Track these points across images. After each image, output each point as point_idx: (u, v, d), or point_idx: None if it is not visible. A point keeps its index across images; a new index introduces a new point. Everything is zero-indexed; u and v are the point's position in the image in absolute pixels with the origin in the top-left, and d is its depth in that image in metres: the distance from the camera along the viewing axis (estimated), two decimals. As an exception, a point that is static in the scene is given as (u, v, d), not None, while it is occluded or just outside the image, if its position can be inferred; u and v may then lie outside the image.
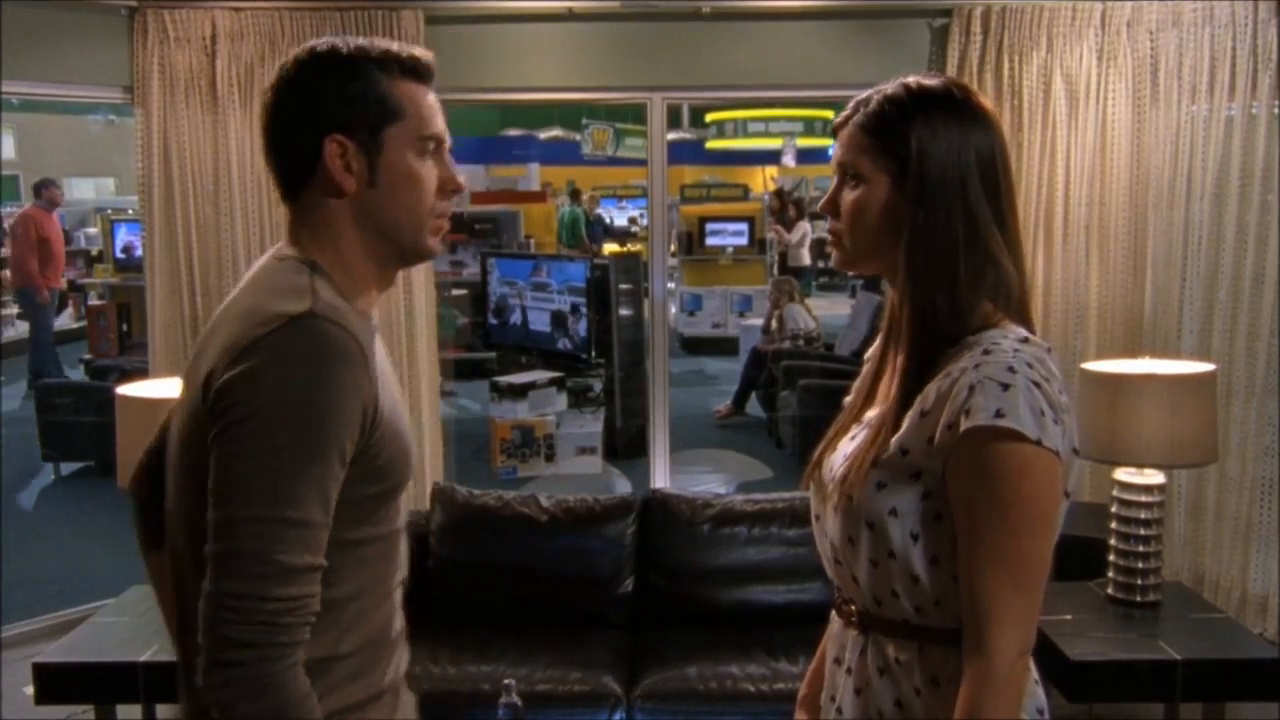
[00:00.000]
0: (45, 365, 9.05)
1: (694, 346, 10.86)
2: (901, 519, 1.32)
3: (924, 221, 1.32)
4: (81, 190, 17.57)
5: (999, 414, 1.22)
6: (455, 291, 8.75)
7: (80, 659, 3.16)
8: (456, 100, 4.66)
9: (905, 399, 1.33)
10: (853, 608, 1.43)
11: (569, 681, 2.99)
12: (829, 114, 21.38)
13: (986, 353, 1.28)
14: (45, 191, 9.64)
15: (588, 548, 3.44)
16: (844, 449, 1.44)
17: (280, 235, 4.44)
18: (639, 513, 3.49)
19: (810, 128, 21.54)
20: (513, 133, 22.92)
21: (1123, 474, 3.40)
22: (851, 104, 1.40)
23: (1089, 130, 4.22)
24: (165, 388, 3.28)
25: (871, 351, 1.57)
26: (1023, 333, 1.33)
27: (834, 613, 1.51)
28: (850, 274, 12.99)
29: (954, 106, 1.35)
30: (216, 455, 1.24)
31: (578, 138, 21.29)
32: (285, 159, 1.40)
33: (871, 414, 1.43)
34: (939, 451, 1.28)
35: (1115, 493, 3.41)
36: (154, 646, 3.18)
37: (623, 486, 6.16)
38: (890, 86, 1.39)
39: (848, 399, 1.56)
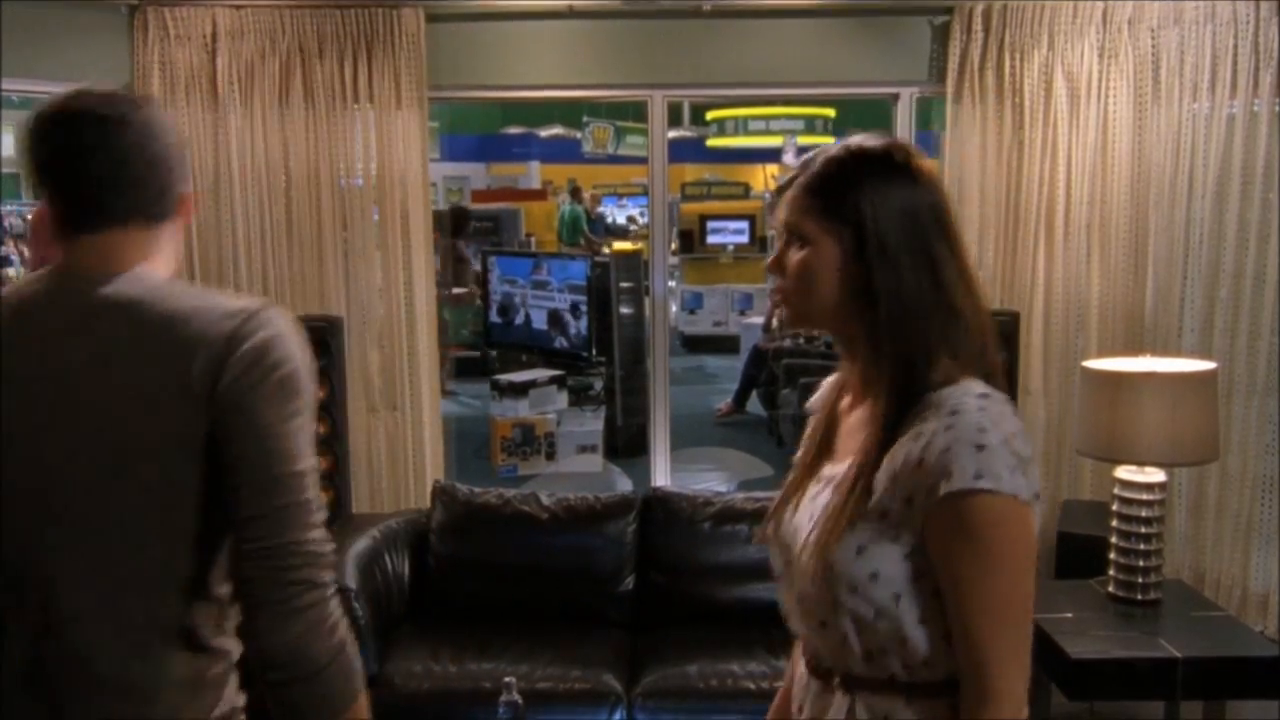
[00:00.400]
0: None
1: (695, 345, 10.86)
2: (885, 581, 1.32)
3: (892, 283, 1.33)
4: (82, 189, 17.53)
5: (978, 475, 1.26)
6: (455, 290, 8.75)
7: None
8: (457, 98, 4.67)
9: (877, 458, 1.34)
10: (834, 674, 1.42)
11: (569, 680, 3.00)
12: (830, 112, 21.37)
13: (954, 413, 1.29)
14: None
15: (589, 546, 3.44)
16: (808, 508, 1.43)
17: (280, 234, 4.42)
18: (640, 511, 3.50)
19: (811, 125, 21.53)
20: (513, 130, 22.91)
21: (1124, 472, 3.39)
22: (799, 163, 1.41)
23: (1090, 128, 4.21)
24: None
25: (814, 403, 1.58)
26: (981, 388, 1.34)
27: (808, 674, 1.49)
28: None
29: (897, 168, 1.37)
30: (264, 420, 1.33)
31: (578, 136, 21.29)
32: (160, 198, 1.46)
33: (831, 470, 1.43)
34: (918, 513, 1.30)
35: (1116, 491, 3.41)
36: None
37: (623, 484, 6.15)
38: (833, 148, 1.40)
39: (798, 454, 1.56)
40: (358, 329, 4.40)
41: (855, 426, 1.41)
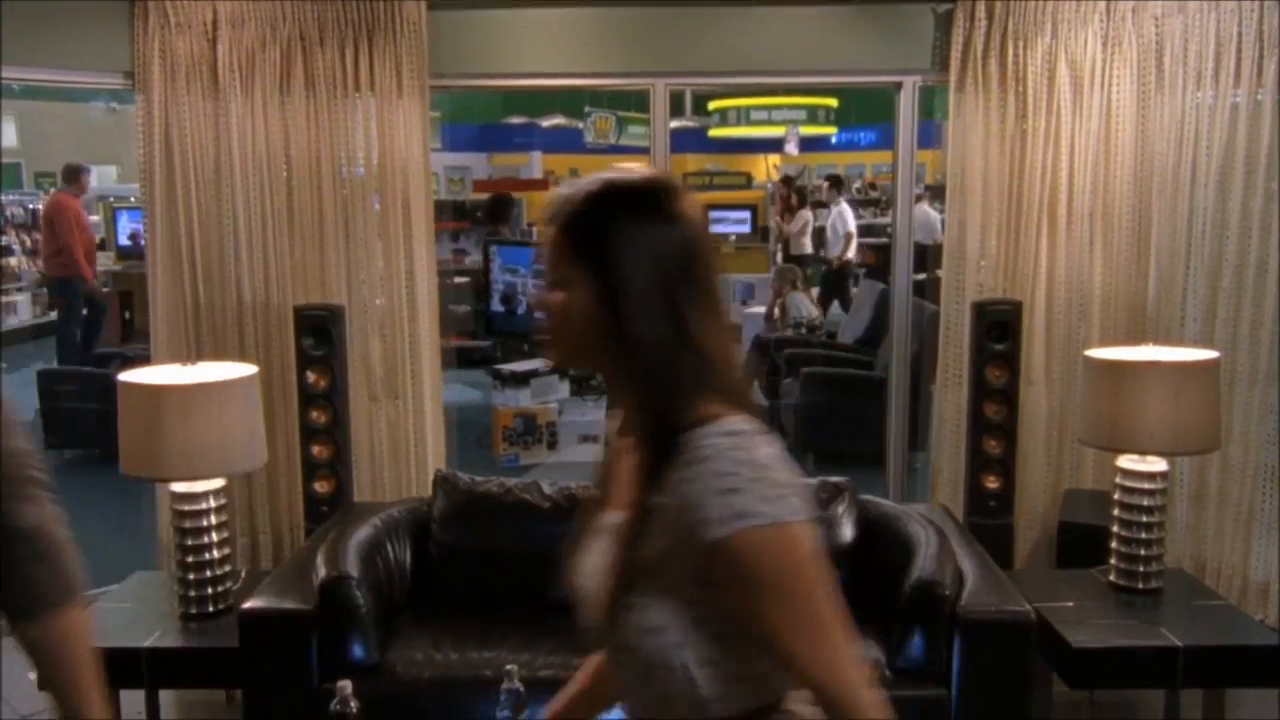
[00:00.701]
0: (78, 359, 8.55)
1: (696, 334, 10.84)
2: (666, 633, 1.34)
3: (638, 331, 1.32)
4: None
5: (737, 516, 1.25)
6: (457, 279, 8.73)
7: (84, 644, 3.15)
8: (458, 86, 4.65)
9: (644, 511, 1.34)
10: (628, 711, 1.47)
11: (571, 668, 2.98)
12: (833, 101, 21.31)
13: (702, 460, 1.28)
14: (74, 176, 9.40)
15: (590, 534, 3.44)
16: (593, 559, 1.46)
17: (281, 223, 4.42)
18: (641, 499, 3.49)
19: (814, 115, 21.48)
20: (515, 120, 22.87)
21: (1125, 461, 3.40)
22: (562, 195, 1.37)
23: (1093, 116, 4.20)
24: (166, 374, 3.29)
25: (606, 437, 1.58)
26: (731, 424, 1.30)
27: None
28: (855, 263, 12.93)
29: (652, 206, 1.34)
30: None
31: (580, 126, 21.25)
32: None
33: (611, 518, 1.43)
34: (688, 564, 1.31)
35: (1118, 480, 3.41)
36: (156, 633, 3.19)
37: (625, 474, 6.15)
38: (593, 182, 1.36)
39: (593, 486, 1.58)
40: (359, 318, 4.40)
41: (630, 471, 1.39)
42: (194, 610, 3.31)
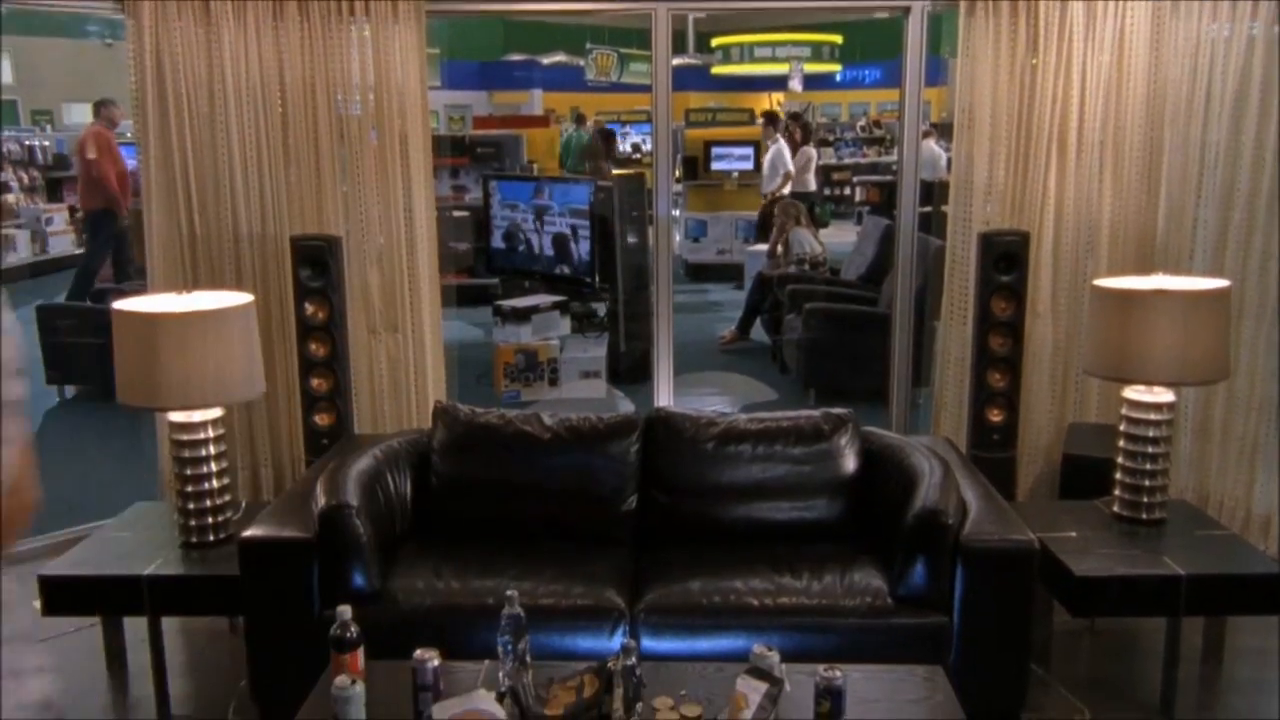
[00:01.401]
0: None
1: (698, 273, 10.78)
2: None
3: None
4: (81, 115, 17.32)
5: None
6: (456, 213, 8.65)
7: (84, 572, 3.17)
8: (454, 11, 4.54)
9: None
10: None
11: (572, 596, 2.99)
12: (837, 38, 21.01)
13: None
14: (105, 110, 9.24)
15: (591, 466, 3.42)
16: None
17: (277, 153, 4.35)
18: (642, 431, 3.47)
19: (818, 52, 21.16)
20: (515, 57, 22.57)
21: (1132, 392, 3.37)
22: None
23: (1106, 43, 4.10)
24: (161, 303, 3.25)
25: None
26: None
27: None
28: (856, 201, 12.76)
29: None
30: None
31: (581, 63, 20.96)
32: None
33: None
34: None
35: (1124, 411, 3.39)
36: (157, 560, 3.19)
37: (626, 409, 6.14)
38: None
39: None
40: (357, 250, 4.34)
41: None
42: (194, 539, 3.30)
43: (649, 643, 2.91)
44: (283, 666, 2.95)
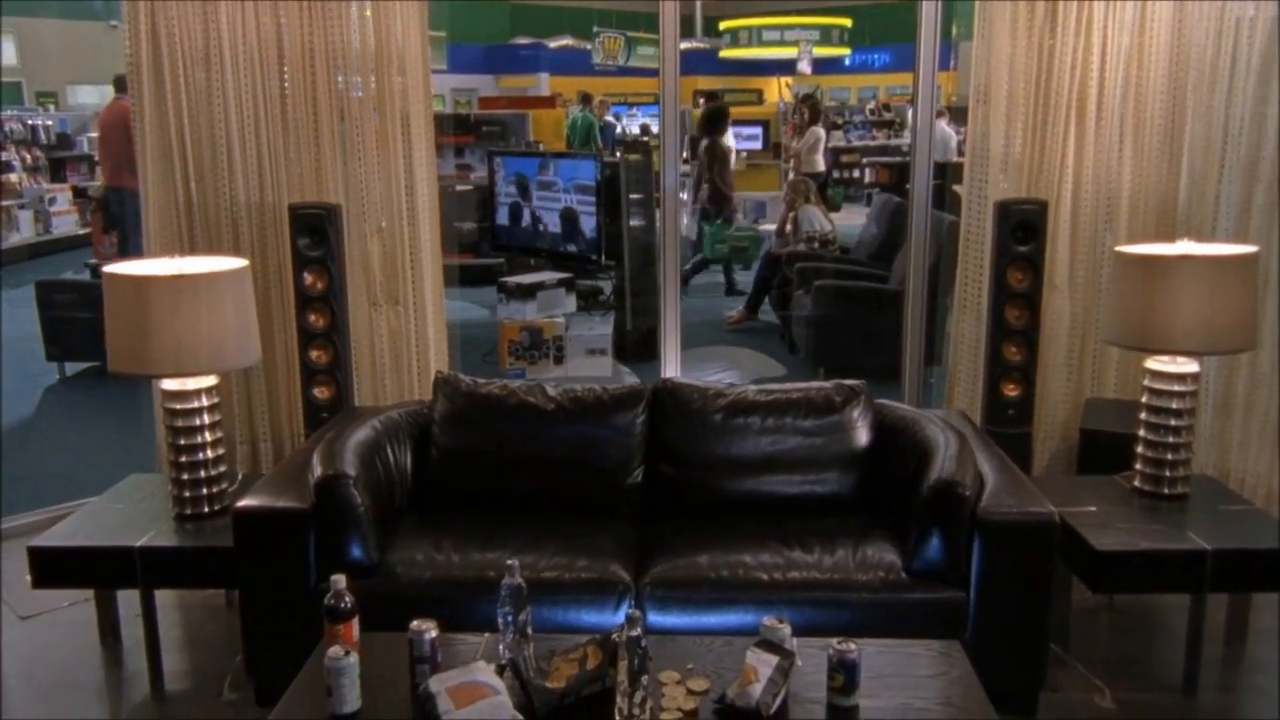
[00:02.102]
0: None
1: (706, 254, 10.66)
2: None
3: None
4: (85, 96, 17.26)
5: None
6: (459, 188, 8.54)
7: (75, 544, 3.09)
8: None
9: None
10: None
11: (575, 569, 2.90)
12: (846, 21, 20.84)
13: None
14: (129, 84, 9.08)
15: (596, 437, 3.32)
16: None
17: (275, 120, 4.25)
18: (649, 402, 3.37)
19: (827, 36, 20.99)
20: (522, 41, 22.44)
21: (1155, 363, 3.26)
22: None
23: (1128, 7, 3.97)
24: (152, 267, 3.15)
25: None
26: None
27: None
28: (866, 183, 12.61)
29: None
30: None
31: (588, 47, 20.83)
32: None
33: None
34: None
35: (1146, 382, 3.28)
36: (150, 532, 3.11)
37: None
38: None
39: None
40: (356, 220, 4.25)
41: None
42: (189, 511, 3.22)
43: (655, 617, 2.82)
44: (278, 641, 2.87)
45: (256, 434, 4.36)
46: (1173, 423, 3.22)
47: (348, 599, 2.29)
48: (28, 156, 12.26)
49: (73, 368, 6.84)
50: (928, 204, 4.58)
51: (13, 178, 11.76)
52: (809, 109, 10.65)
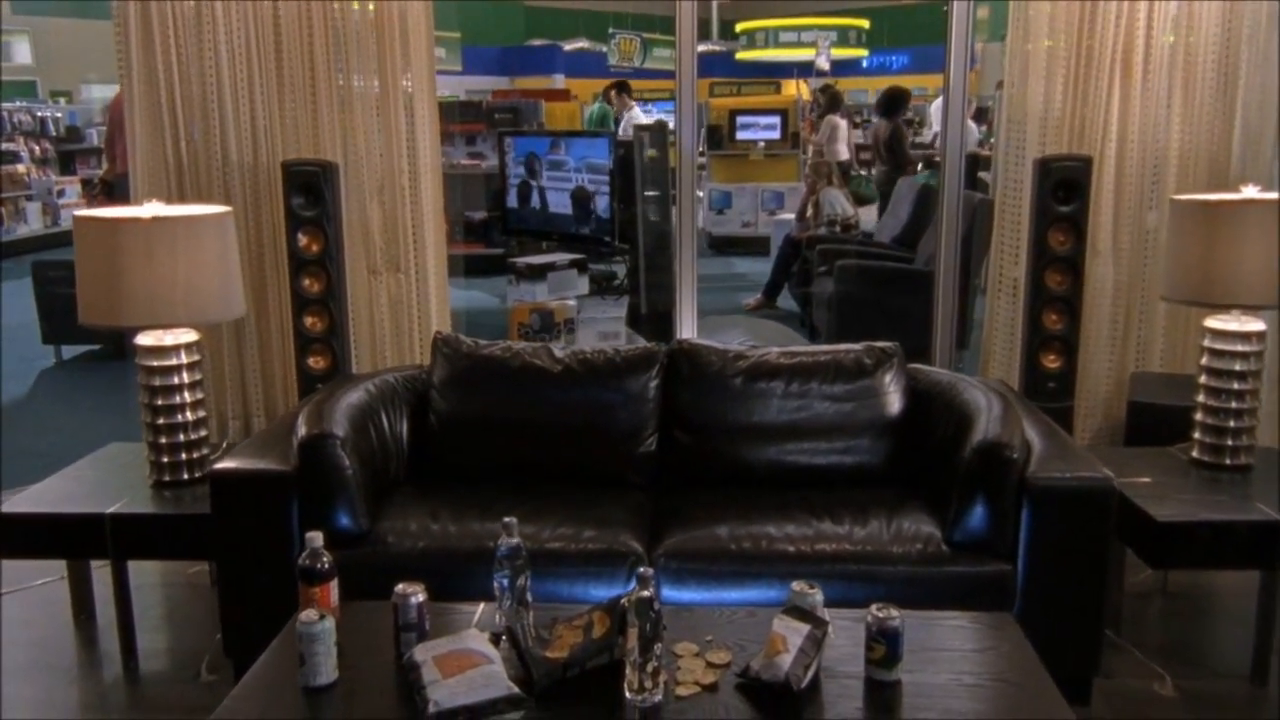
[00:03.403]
0: None
1: (722, 246, 10.41)
2: None
3: None
4: (98, 94, 17.19)
5: None
6: (468, 160, 8.31)
7: (42, 510, 2.86)
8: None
9: None
10: None
11: (582, 540, 2.65)
12: (864, 22, 20.61)
13: None
14: None
15: (606, 402, 3.08)
16: None
17: (270, 76, 3.92)
18: (664, 365, 3.12)
19: (844, 37, 20.76)
20: (537, 43, 22.30)
21: (1215, 321, 2.99)
22: None
23: (1178, -50, 3.72)
24: (131, 213, 2.92)
25: None
26: None
27: None
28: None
29: None
30: None
31: (603, 49, 20.66)
32: None
33: None
34: None
35: (1205, 343, 3.02)
36: (123, 499, 2.88)
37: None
38: None
39: None
40: (355, 182, 4.02)
41: None
42: (167, 478, 2.99)
43: (669, 592, 2.57)
44: (259, 617, 2.59)
45: (250, 409, 4.12)
46: (1235, 386, 2.95)
47: (325, 559, 2.04)
48: (36, 149, 12.12)
49: (70, 351, 6.65)
50: (960, 176, 4.31)
51: (20, 169, 11.62)
52: (827, 97, 10.38)
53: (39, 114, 12.37)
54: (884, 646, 1.89)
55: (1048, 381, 3.74)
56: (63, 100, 15.38)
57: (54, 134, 12.45)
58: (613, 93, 12.04)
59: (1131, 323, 4.01)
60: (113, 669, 2.90)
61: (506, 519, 2.12)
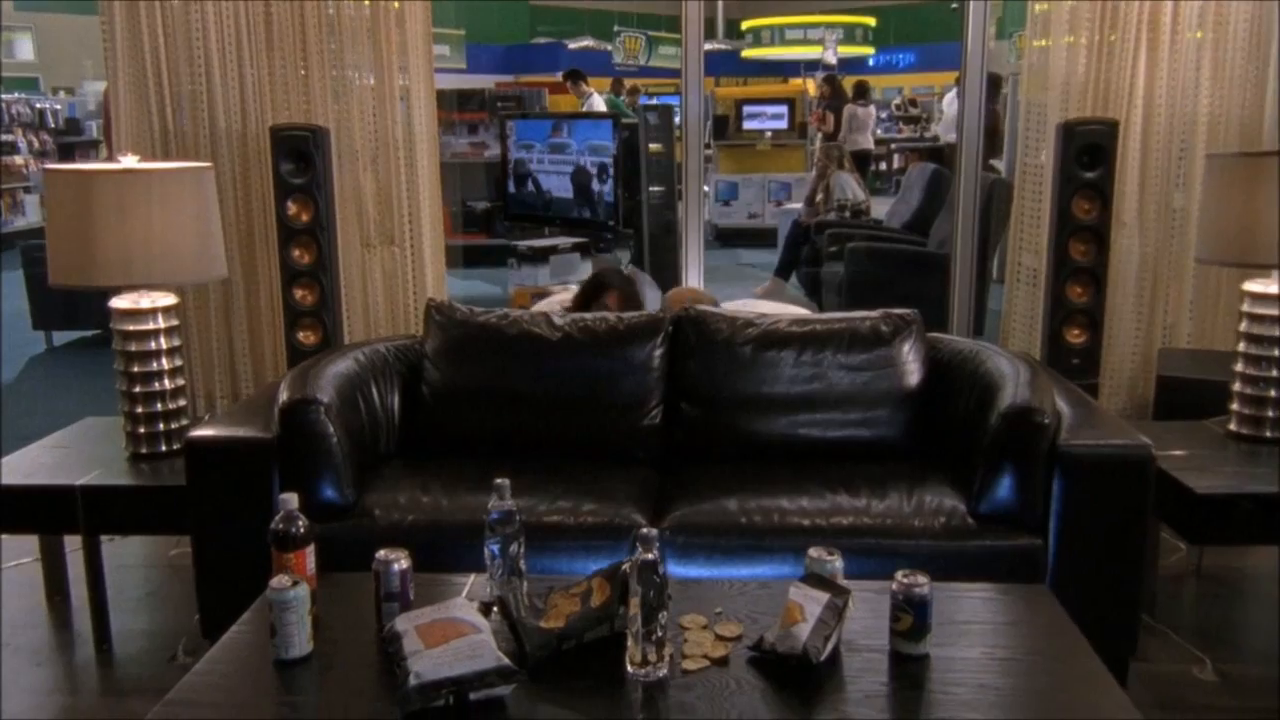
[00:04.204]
0: None
1: (729, 238, 10.24)
2: None
3: None
4: (99, 87, 17.09)
5: None
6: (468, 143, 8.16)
7: (10, 482, 2.69)
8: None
9: None
10: None
11: (582, 514, 2.49)
12: (870, 20, 20.43)
13: None
14: None
15: (609, 372, 2.91)
16: None
17: (259, 38, 3.69)
18: (669, 333, 2.95)
19: (850, 35, 20.58)
20: (542, 41, 22.16)
21: (1255, 284, 2.82)
22: None
23: (1208, -96, 3.55)
24: (95, 164, 2.76)
25: None
26: None
27: None
28: (895, 169, 12.12)
29: None
30: None
31: (608, 48, 20.51)
32: None
33: None
34: None
35: (1244, 307, 2.84)
36: (95, 470, 2.71)
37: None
38: None
39: None
40: (348, 150, 3.86)
41: None
42: (144, 450, 2.83)
43: (675, 568, 2.40)
44: (238, 596, 2.43)
45: (239, 386, 3.97)
46: (1276, 354, 2.78)
47: (300, 522, 1.88)
48: (35, 141, 11.99)
49: (62, 338, 6.50)
50: (978, 155, 4.14)
51: (18, 160, 11.49)
52: (830, 86, 10.20)
53: (38, 106, 12.23)
54: (911, 616, 1.72)
55: (1071, 357, 3.58)
56: (63, 94, 15.26)
57: (53, 126, 12.31)
58: (569, 83, 11.84)
59: (1158, 298, 3.84)
60: (85, 650, 2.74)
61: (498, 480, 1.95)
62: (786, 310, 3.25)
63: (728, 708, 1.61)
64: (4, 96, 11.90)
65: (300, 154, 3.53)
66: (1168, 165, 3.73)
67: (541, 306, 3.43)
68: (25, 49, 18.46)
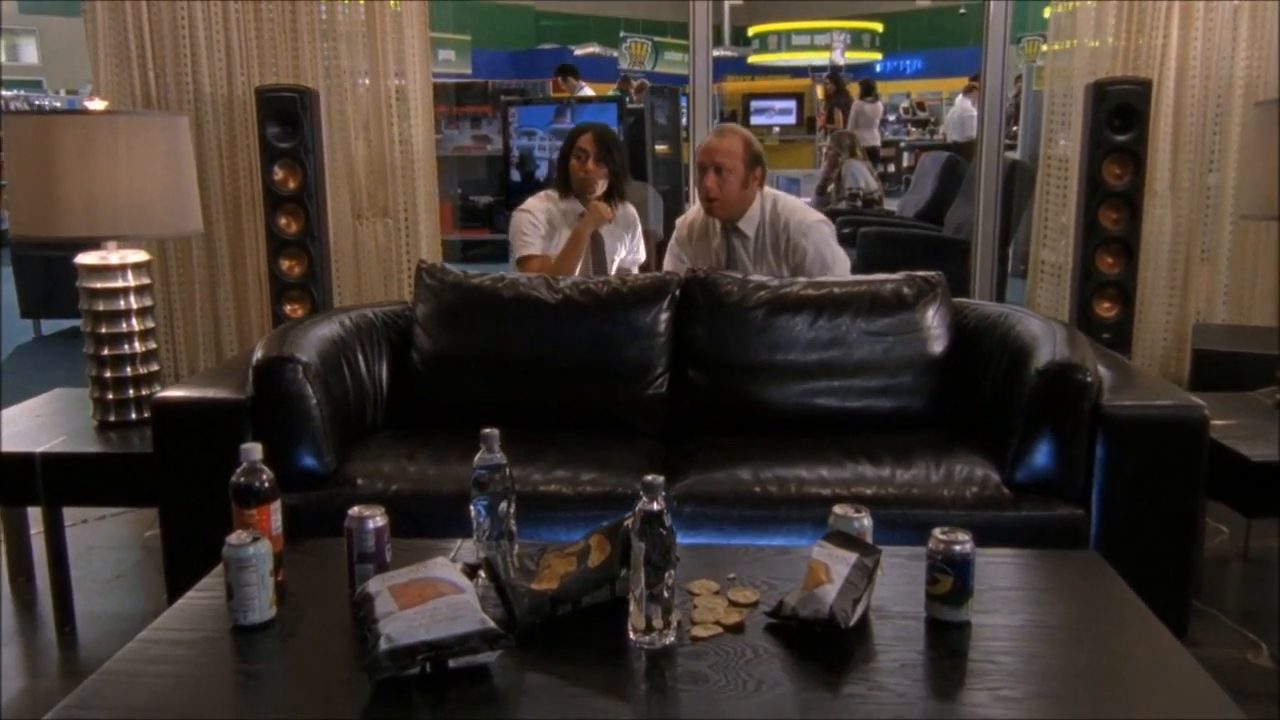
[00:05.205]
0: None
1: (736, 236, 10.07)
2: None
3: None
4: (100, 90, 17.01)
5: None
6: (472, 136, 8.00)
7: (-35, 449, 2.50)
8: None
9: None
10: None
11: (581, 483, 2.30)
12: (877, 26, 20.28)
13: None
14: None
15: (612, 338, 2.71)
16: None
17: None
18: (676, 296, 2.76)
19: (857, 41, 20.44)
20: (548, 47, 22.06)
21: (1308, 241, 2.60)
22: None
23: None
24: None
25: None
26: None
27: None
28: (904, 167, 11.96)
29: None
30: None
31: (614, 54, 20.40)
32: None
33: None
34: None
35: (1296, 267, 2.62)
36: (59, 438, 2.52)
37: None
38: None
39: None
40: (338, 114, 3.69)
41: None
42: (112, 418, 2.65)
43: (684, 540, 2.19)
44: (207, 571, 2.27)
45: (224, 360, 3.78)
46: (1332, 317, 2.58)
47: (265, 476, 1.68)
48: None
49: (51, 327, 6.32)
50: (999, 138, 3.95)
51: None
52: (834, 82, 10.03)
53: (36, 103, 12.11)
54: (951, 578, 1.52)
55: (1102, 331, 3.38)
56: (62, 90, 15.17)
57: (52, 124, 12.20)
58: (560, 79, 11.63)
59: (1192, 273, 3.64)
60: (46, 633, 2.54)
61: (486, 430, 1.76)
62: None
63: (744, 677, 1.41)
64: (3, 94, 11.78)
65: (287, 116, 3.35)
66: (1201, 133, 3.54)
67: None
68: (30, 52, 18.42)
